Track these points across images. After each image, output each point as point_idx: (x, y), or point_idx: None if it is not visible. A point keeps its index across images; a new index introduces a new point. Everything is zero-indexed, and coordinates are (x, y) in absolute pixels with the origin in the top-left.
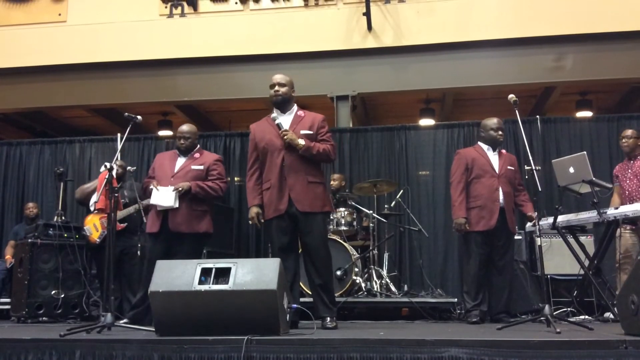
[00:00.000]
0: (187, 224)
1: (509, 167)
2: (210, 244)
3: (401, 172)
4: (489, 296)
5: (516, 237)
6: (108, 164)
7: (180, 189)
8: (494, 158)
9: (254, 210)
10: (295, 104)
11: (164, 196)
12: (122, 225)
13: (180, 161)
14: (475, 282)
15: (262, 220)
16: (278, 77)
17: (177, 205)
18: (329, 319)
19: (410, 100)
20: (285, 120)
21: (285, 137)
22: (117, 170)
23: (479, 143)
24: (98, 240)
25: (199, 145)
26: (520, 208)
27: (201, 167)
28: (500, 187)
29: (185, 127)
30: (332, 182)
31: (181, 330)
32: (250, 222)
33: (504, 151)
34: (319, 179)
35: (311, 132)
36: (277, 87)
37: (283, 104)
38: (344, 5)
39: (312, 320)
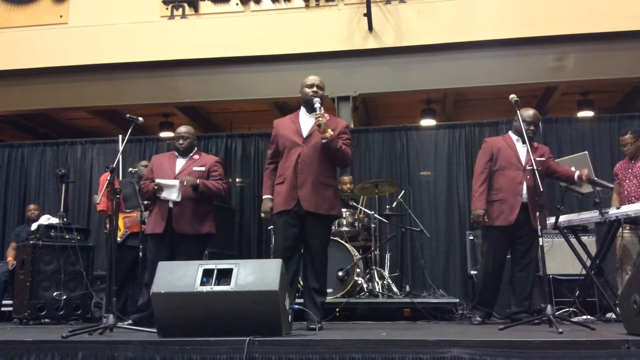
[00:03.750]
0: (192, 225)
1: (538, 159)
2: (212, 244)
3: (402, 173)
4: (510, 294)
5: None
6: (137, 167)
7: (184, 182)
8: (522, 150)
9: (268, 205)
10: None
11: (169, 190)
12: (143, 226)
13: (180, 162)
14: (485, 280)
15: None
16: (318, 79)
17: (179, 199)
18: (313, 321)
19: (411, 101)
20: (311, 120)
21: (319, 119)
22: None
23: (510, 133)
24: (119, 239)
25: (196, 147)
26: (559, 171)
27: (203, 169)
28: (525, 180)
29: (183, 128)
30: (344, 186)
31: (183, 331)
32: (262, 215)
33: (535, 144)
34: (330, 182)
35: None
36: (315, 89)
37: (314, 108)
38: (345, 6)
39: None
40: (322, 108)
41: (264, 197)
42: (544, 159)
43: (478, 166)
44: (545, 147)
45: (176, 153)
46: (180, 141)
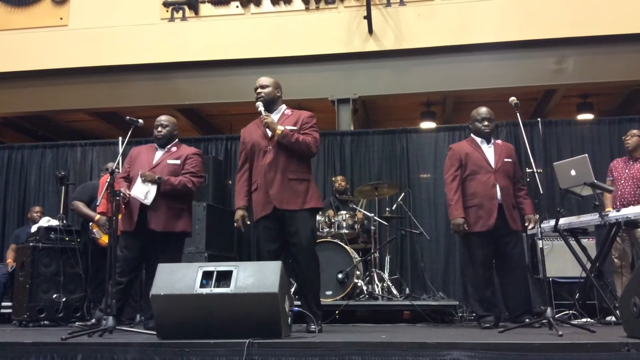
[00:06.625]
0: (165, 223)
1: (505, 160)
2: (211, 247)
3: (402, 175)
4: (505, 298)
5: None
6: (109, 167)
7: (143, 177)
8: (488, 151)
9: (239, 213)
10: (284, 105)
11: (138, 189)
12: None
13: (158, 154)
14: (481, 287)
15: (248, 222)
16: (260, 80)
17: (147, 201)
18: (313, 324)
19: (411, 103)
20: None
21: (265, 120)
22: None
23: (472, 135)
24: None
25: (177, 139)
26: (520, 207)
27: (177, 162)
28: (498, 182)
29: (164, 117)
30: (336, 184)
31: (182, 333)
32: (234, 224)
33: (499, 141)
34: (301, 176)
35: (295, 128)
36: (258, 90)
37: (267, 106)
38: (345, 9)
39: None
40: (264, 109)
41: (237, 207)
42: (511, 160)
43: (448, 175)
44: (510, 147)
45: (155, 145)
46: (159, 129)
